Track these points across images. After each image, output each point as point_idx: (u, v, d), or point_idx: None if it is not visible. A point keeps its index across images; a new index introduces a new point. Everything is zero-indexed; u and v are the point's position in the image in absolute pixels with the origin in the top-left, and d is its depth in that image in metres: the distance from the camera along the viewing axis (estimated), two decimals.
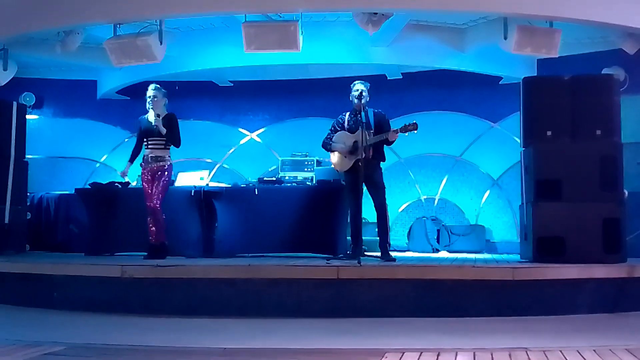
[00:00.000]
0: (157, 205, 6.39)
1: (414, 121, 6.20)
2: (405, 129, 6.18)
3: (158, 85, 6.58)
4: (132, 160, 6.69)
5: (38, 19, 7.19)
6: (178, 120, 6.55)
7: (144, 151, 6.53)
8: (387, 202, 6.55)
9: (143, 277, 5.39)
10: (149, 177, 6.44)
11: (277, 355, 3.61)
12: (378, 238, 6.44)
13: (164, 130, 6.37)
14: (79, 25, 7.55)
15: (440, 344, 3.88)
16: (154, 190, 6.41)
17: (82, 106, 10.27)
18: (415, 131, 6.16)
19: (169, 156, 6.51)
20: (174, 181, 7.02)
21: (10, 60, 8.52)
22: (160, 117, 6.40)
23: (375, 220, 6.49)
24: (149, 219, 6.45)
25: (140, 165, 6.54)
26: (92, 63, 9.14)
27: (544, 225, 5.92)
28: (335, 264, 5.49)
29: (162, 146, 6.47)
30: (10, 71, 8.62)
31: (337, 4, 6.91)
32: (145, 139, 6.52)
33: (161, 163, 6.44)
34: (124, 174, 6.77)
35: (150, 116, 6.47)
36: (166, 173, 6.45)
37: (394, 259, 6.18)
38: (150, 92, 6.47)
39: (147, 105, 6.46)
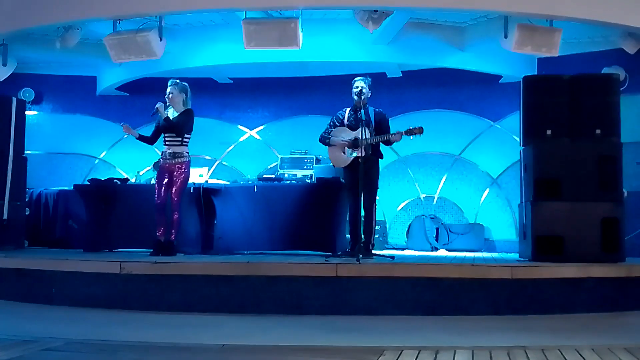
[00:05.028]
0: (176, 200, 6.31)
1: (420, 125, 6.16)
2: (410, 132, 6.13)
3: (176, 81, 6.52)
4: (140, 137, 6.56)
5: (37, 14, 7.18)
6: (193, 117, 6.47)
7: (162, 147, 6.48)
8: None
9: (141, 274, 5.38)
10: (167, 174, 6.37)
11: (275, 352, 3.60)
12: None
13: (164, 115, 6.31)
14: (79, 21, 7.53)
15: (439, 342, 3.88)
16: (172, 186, 6.32)
17: (81, 102, 10.27)
18: (421, 135, 6.13)
19: (187, 152, 6.44)
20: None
21: (10, 55, 8.52)
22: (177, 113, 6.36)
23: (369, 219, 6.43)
24: (158, 215, 6.33)
25: (159, 162, 6.48)
26: (91, 59, 9.16)
27: (543, 224, 5.92)
28: (334, 261, 5.48)
29: (179, 142, 6.40)
30: (10, 67, 8.63)
31: (337, 1, 6.91)
32: (163, 136, 6.47)
33: (180, 160, 6.36)
34: (126, 128, 6.46)
35: (169, 112, 6.42)
36: (184, 169, 6.38)
37: (372, 256, 6.15)
38: (167, 89, 6.43)
39: (166, 102, 6.40)
